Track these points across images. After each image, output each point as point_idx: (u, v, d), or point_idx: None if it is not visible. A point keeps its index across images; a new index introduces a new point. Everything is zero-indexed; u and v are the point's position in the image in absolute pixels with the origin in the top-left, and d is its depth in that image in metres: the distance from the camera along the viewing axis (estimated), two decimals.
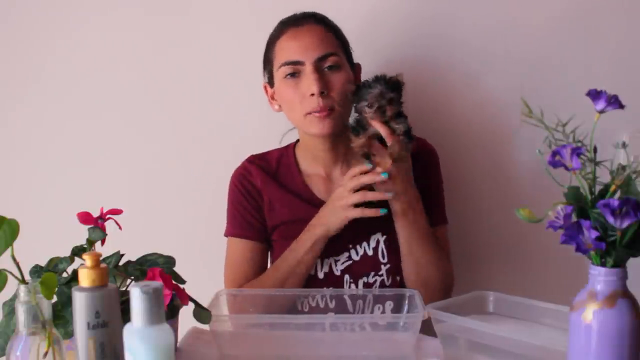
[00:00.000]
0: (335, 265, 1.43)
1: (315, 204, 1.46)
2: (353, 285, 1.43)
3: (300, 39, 1.39)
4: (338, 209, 1.34)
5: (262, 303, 1.34)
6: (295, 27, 1.41)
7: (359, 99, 1.34)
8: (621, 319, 0.80)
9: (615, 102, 0.83)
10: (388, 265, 1.42)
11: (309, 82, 1.36)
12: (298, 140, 1.54)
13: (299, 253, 1.39)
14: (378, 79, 1.33)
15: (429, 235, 1.39)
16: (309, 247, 1.38)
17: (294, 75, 1.39)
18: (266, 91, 1.50)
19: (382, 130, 1.31)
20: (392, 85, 1.32)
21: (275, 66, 1.43)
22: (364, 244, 1.43)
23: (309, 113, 1.38)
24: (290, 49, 1.40)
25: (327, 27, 1.43)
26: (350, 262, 1.43)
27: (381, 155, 1.31)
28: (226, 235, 1.52)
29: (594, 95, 0.83)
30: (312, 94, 1.36)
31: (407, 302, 1.27)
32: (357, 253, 1.43)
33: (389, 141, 1.31)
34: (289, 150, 1.53)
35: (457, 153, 1.69)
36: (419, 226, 1.36)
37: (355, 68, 1.49)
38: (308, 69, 1.37)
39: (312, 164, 1.50)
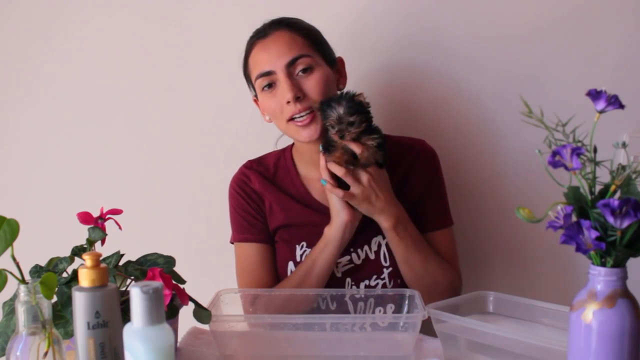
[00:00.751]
0: (337, 268, 1.42)
1: (315, 207, 1.46)
2: (355, 288, 1.42)
3: (267, 49, 1.39)
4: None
5: (279, 303, 1.33)
6: (263, 38, 1.41)
7: (324, 117, 1.33)
8: (621, 319, 0.79)
9: (615, 102, 0.82)
10: (390, 269, 1.41)
11: (283, 90, 1.36)
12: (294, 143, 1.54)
13: (312, 254, 1.38)
14: (340, 99, 1.30)
15: (422, 243, 1.38)
16: (322, 247, 1.37)
17: (271, 85, 1.39)
18: (257, 104, 1.50)
19: (352, 146, 1.31)
20: (353, 108, 1.29)
21: (253, 80, 1.43)
22: (365, 247, 1.42)
23: (291, 120, 1.37)
24: (260, 61, 1.40)
25: (294, 30, 1.41)
26: (352, 265, 1.42)
27: (356, 172, 1.31)
28: (232, 241, 1.51)
29: (594, 95, 0.83)
30: (288, 102, 1.36)
31: (407, 302, 1.27)
32: (358, 257, 1.42)
33: (361, 156, 1.31)
34: (286, 153, 1.53)
35: (457, 153, 1.69)
36: (411, 239, 1.36)
37: (338, 63, 1.47)
38: (281, 77, 1.37)
39: (308, 166, 1.49)
